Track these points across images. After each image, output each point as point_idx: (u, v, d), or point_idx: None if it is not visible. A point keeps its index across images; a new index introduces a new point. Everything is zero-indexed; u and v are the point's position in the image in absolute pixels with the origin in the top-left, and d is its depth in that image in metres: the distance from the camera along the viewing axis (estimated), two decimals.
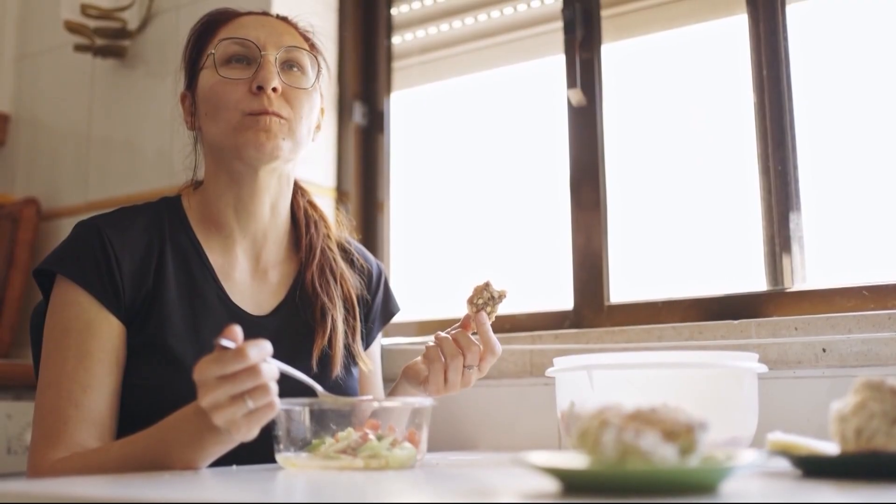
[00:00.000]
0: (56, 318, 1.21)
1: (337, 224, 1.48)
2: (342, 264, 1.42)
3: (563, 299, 1.82)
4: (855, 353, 1.42)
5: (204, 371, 0.96)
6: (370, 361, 1.43)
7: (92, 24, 2.19)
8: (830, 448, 0.89)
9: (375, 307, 1.48)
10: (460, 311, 1.31)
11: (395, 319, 1.55)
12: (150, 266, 1.25)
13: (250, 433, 0.98)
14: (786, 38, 1.66)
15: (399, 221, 2.11)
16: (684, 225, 1.79)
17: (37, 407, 1.18)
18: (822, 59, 1.68)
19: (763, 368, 1.26)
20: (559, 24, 1.86)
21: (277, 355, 1.01)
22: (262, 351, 0.97)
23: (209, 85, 1.29)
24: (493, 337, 1.28)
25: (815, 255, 1.60)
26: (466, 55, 2.08)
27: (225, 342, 0.96)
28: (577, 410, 0.75)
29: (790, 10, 1.68)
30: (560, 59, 1.86)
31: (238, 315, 1.29)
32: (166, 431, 1.06)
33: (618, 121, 1.84)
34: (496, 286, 1.30)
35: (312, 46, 1.38)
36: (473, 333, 1.28)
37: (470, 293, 1.30)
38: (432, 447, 1.22)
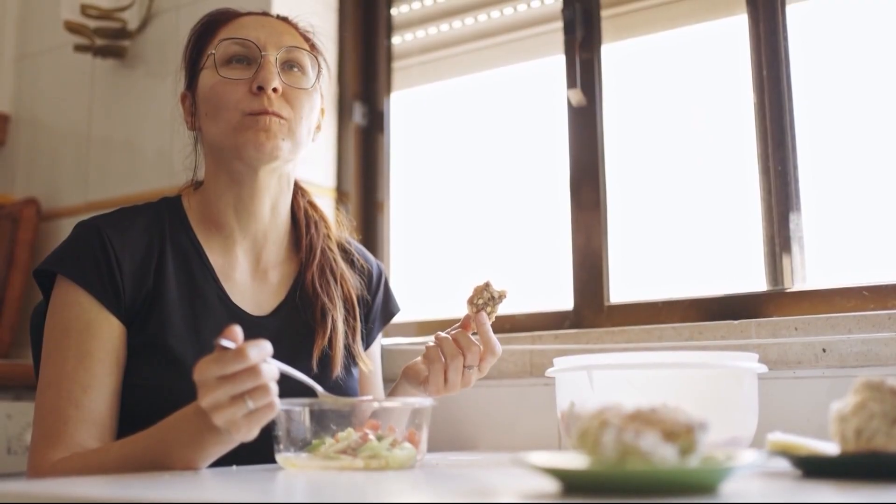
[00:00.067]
0: (56, 318, 1.21)
1: (337, 224, 1.48)
2: (342, 265, 1.42)
3: (563, 299, 1.82)
4: (855, 354, 1.42)
5: (204, 371, 0.96)
6: (370, 362, 1.43)
7: (92, 24, 2.19)
8: (830, 448, 0.89)
9: (375, 307, 1.48)
10: (460, 311, 1.31)
11: (395, 320, 1.55)
12: (150, 266, 1.25)
13: (250, 433, 0.99)
14: (786, 39, 1.66)
15: (399, 221, 2.11)
16: (684, 225, 1.79)
17: (37, 407, 1.18)
18: (822, 59, 1.68)
19: (763, 369, 1.26)
20: (559, 25, 1.86)
21: (277, 356, 1.01)
22: (262, 351, 0.97)
23: (209, 85, 1.29)
24: (494, 337, 1.28)
25: (815, 255, 1.60)
26: (466, 55, 2.08)
27: (225, 342, 0.96)
28: (577, 411, 0.75)
29: (790, 10, 1.68)
30: (560, 60, 1.86)
31: (238, 315, 1.29)
32: (166, 432, 1.06)
33: (618, 121, 1.84)
34: (496, 286, 1.30)
35: (313, 47, 1.38)
36: (473, 333, 1.28)
37: (470, 293, 1.30)
38: (432, 447, 1.22)
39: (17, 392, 1.94)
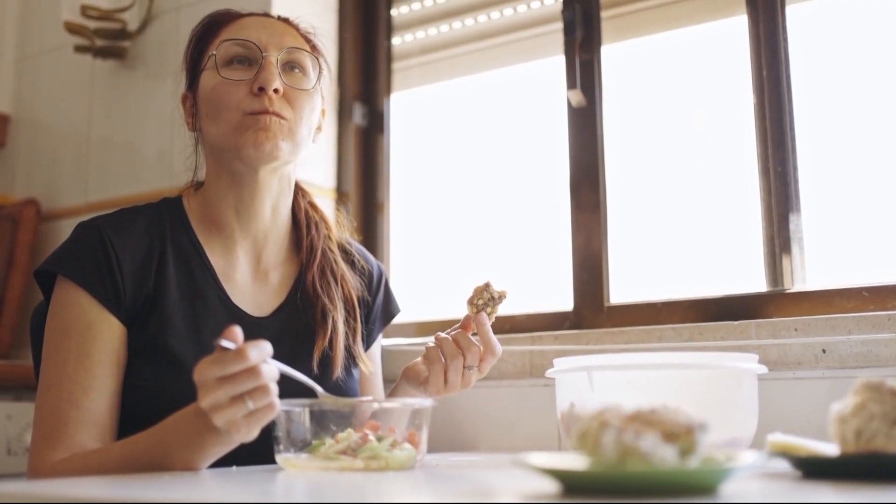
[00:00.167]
0: (57, 318, 1.21)
1: (337, 225, 1.48)
2: (343, 265, 1.42)
3: (563, 300, 1.82)
4: (855, 355, 1.43)
5: (204, 372, 0.96)
6: (370, 363, 1.43)
7: (92, 25, 2.19)
8: (830, 449, 0.89)
9: (376, 308, 1.48)
10: (460, 311, 1.31)
11: (396, 320, 1.55)
12: (150, 267, 1.25)
13: (250, 434, 0.99)
14: (786, 39, 1.66)
15: (399, 222, 2.11)
16: (684, 226, 1.79)
17: (37, 408, 1.18)
18: (822, 60, 1.68)
19: (763, 369, 1.26)
20: (559, 25, 1.86)
21: (278, 356, 1.01)
22: (262, 352, 0.97)
23: (210, 86, 1.29)
24: (494, 338, 1.28)
25: (815, 256, 1.60)
26: (466, 56, 2.08)
27: (225, 343, 0.96)
28: (577, 411, 0.75)
29: (790, 10, 1.68)
30: (560, 60, 1.86)
31: (239, 316, 1.29)
32: (166, 432, 1.06)
33: (618, 122, 1.84)
34: (496, 287, 1.30)
35: (314, 48, 1.38)
36: (473, 334, 1.28)
37: (470, 294, 1.30)
38: (432, 448, 1.23)
39: (17, 393, 1.94)
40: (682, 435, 0.70)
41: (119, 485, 0.87)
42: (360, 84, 2.16)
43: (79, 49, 2.21)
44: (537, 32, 1.99)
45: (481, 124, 2.08)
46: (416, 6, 2.14)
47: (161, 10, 2.23)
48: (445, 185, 2.10)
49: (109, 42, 2.21)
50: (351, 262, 1.45)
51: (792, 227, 1.61)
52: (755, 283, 1.64)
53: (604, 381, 1.22)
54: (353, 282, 1.41)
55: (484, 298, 1.29)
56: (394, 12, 2.18)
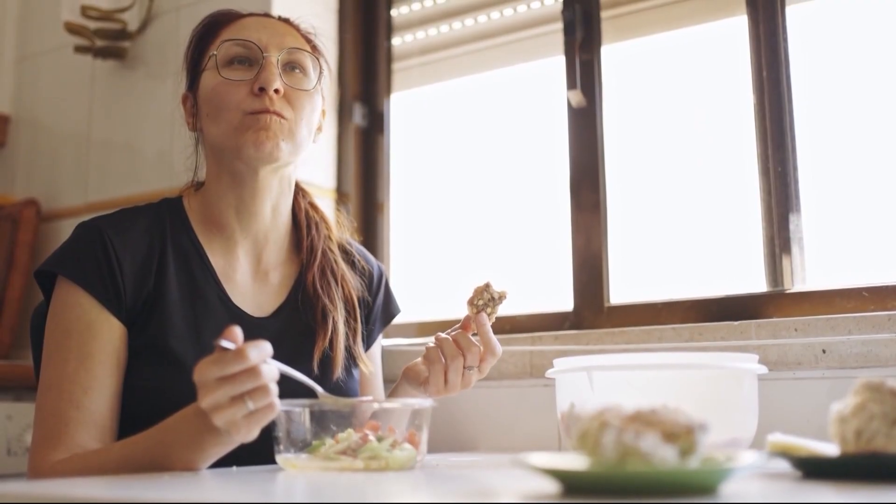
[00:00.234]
0: (57, 319, 1.21)
1: (338, 225, 1.48)
2: (343, 266, 1.42)
3: (563, 300, 1.82)
4: (855, 355, 1.43)
5: (204, 372, 0.96)
6: (371, 363, 1.43)
7: (92, 25, 2.19)
8: (830, 449, 0.89)
9: (376, 309, 1.48)
10: (460, 312, 1.31)
11: (396, 320, 1.55)
12: (151, 267, 1.25)
13: (250, 434, 0.99)
14: (786, 40, 1.66)
15: (399, 222, 2.11)
16: (684, 226, 1.79)
17: (37, 408, 1.18)
18: (822, 60, 1.68)
19: (763, 370, 1.26)
20: (559, 26, 1.86)
21: (278, 357, 1.01)
22: (261, 352, 0.97)
23: (211, 86, 1.29)
24: (494, 338, 1.28)
25: (815, 256, 1.60)
26: (466, 56, 2.08)
27: (225, 343, 0.96)
28: (577, 412, 0.75)
29: (790, 11, 1.68)
30: (560, 61, 1.86)
31: (239, 316, 1.29)
32: (166, 433, 1.06)
33: (618, 122, 1.84)
34: (496, 287, 1.30)
35: (314, 48, 1.38)
36: (474, 334, 1.28)
37: (470, 294, 1.30)
38: (432, 448, 1.22)
39: (17, 393, 1.94)
40: (682, 435, 0.70)
41: (119, 485, 0.87)
42: (361, 84, 2.16)
43: (79, 49, 2.21)
44: (537, 33, 1.99)
45: (481, 125, 2.08)
46: (416, 6, 2.14)
47: (161, 10, 2.23)
48: (445, 185, 2.10)
49: (109, 42, 2.21)
50: (351, 263, 1.45)
51: (792, 227, 1.61)
52: (755, 283, 1.64)
53: (604, 382, 1.22)
54: (353, 282, 1.41)
55: (484, 299, 1.29)
56: (394, 12, 2.18)
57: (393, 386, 1.39)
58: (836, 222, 1.62)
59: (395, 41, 2.17)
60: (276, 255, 1.37)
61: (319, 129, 1.38)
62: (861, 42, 1.67)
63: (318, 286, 1.36)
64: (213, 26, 1.35)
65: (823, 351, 1.45)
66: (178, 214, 1.33)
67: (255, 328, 1.23)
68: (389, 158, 2.13)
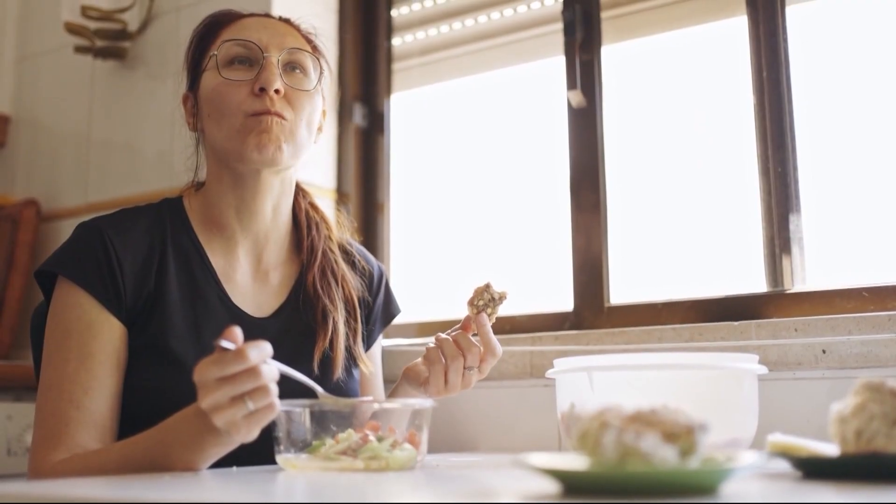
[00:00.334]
0: (57, 319, 1.21)
1: (338, 225, 1.48)
2: (343, 266, 1.42)
3: (564, 301, 1.82)
4: (855, 355, 1.43)
5: (204, 372, 0.96)
6: (371, 363, 1.43)
7: (92, 25, 2.19)
8: (830, 449, 0.89)
9: (376, 309, 1.48)
10: (461, 312, 1.31)
11: (396, 321, 1.55)
12: (151, 267, 1.25)
13: (250, 434, 0.99)
14: (785, 40, 1.66)
15: (399, 223, 2.11)
16: (684, 226, 1.79)
17: (38, 408, 1.18)
18: (822, 60, 1.68)
19: (763, 370, 1.26)
20: (559, 26, 1.86)
21: (278, 357, 1.01)
22: (261, 352, 0.97)
23: (212, 86, 1.29)
24: (494, 338, 1.28)
25: (815, 256, 1.60)
26: (466, 57, 2.08)
27: (225, 343, 0.96)
28: (578, 412, 0.75)
29: (790, 11, 1.68)
30: (560, 61, 1.86)
31: (239, 317, 1.29)
32: (166, 433, 1.06)
33: (618, 122, 1.84)
34: (497, 288, 1.30)
35: (315, 48, 1.38)
36: (474, 335, 1.29)
37: (470, 295, 1.30)
38: (432, 448, 1.23)
39: (17, 393, 1.94)
40: (682, 435, 0.70)
41: (119, 485, 0.87)
42: (361, 85, 2.16)
43: (79, 49, 2.21)
44: (537, 33, 1.99)
45: (481, 125, 2.08)
46: (416, 7, 2.14)
47: (161, 10, 2.23)
48: (446, 185, 2.10)
49: (110, 42, 2.21)
50: (351, 263, 1.45)
51: (792, 227, 1.61)
52: (755, 283, 1.64)
53: (604, 382, 1.22)
54: (353, 282, 1.41)
55: (484, 299, 1.29)
56: (394, 13, 2.18)
57: (393, 386, 1.39)
58: (836, 222, 1.62)
59: (396, 41, 2.17)
60: (277, 256, 1.37)
61: (320, 129, 1.38)
62: (861, 42, 1.67)
63: (319, 286, 1.36)
64: (213, 26, 1.35)
65: (823, 351, 1.45)
66: (178, 214, 1.33)
67: (255, 328, 1.23)
68: (389, 159, 2.13)
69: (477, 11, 2.06)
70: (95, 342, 1.19)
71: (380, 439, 1.05)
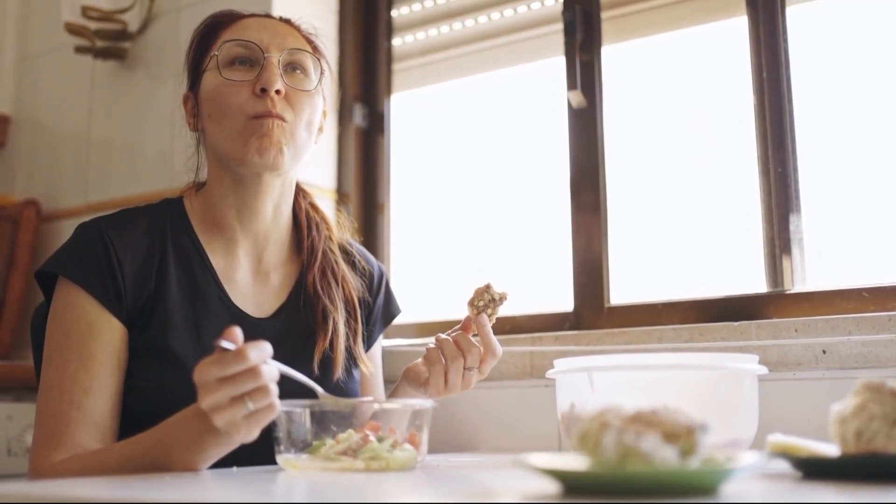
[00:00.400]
0: (58, 319, 1.21)
1: (338, 226, 1.48)
2: (344, 266, 1.42)
3: (564, 301, 1.82)
4: (855, 355, 1.43)
5: (204, 373, 0.96)
6: (371, 363, 1.43)
7: (92, 25, 2.19)
8: (831, 450, 0.89)
9: (376, 309, 1.48)
10: (461, 312, 1.31)
11: (396, 321, 1.55)
12: (151, 268, 1.25)
13: (250, 435, 0.99)
14: (786, 40, 1.66)
15: (399, 223, 2.11)
16: (684, 227, 1.79)
17: (38, 409, 1.18)
18: (823, 61, 1.68)
19: (763, 370, 1.26)
20: (559, 26, 1.86)
21: (278, 357, 1.01)
22: (262, 352, 0.97)
23: (212, 87, 1.29)
24: (494, 339, 1.28)
25: (815, 256, 1.60)
26: (467, 57, 2.08)
27: (225, 344, 0.96)
28: (578, 412, 0.75)
29: (790, 11, 1.68)
30: (560, 61, 1.86)
31: (239, 317, 1.29)
32: (167, 433, 1.06)
33: (618, 123, 1.84)
34: (497, 288, 1.30)
35: (315, 49, 1.38)
36: (474, 335, 1.29)
37: (471, 295, 1.30)
38: (433, 449, 1.23)
39: (17, 393, 1.94)
40: (682, 435, 0.70)
41: (120, 485, 0.87)
42: (361, 85, 2.16)
43: (79, 50, 2.21)
44: (537, 33, 1.99)
45: (482, 125, 2.08)
46: (416, 7, 2.14)
47: (161, 10, 2.23)
48: (446, 186, 2.10)
49: (110, 43, 2.21)
50: (352, 263, 1.45)
51: (792, 227, 1.61)
52: (755, 283, 1.64)
53: (604, 382, 1.22)
54: (353, 283, 1.41)
55: (485, 300, 1.29)
56: (394, 13, 2.18)
57: (393, 386, 1.39)
58: (836, 223, 1.62)
59: (396, 42, 2.17)
60: (277, 256, 1.37)
61: (320, 129, 1.38)
62: (861, 43, 1.67)
63: (319, 287, 1.36)
64: (214, 27, 1.35)
65: (823, 351, 1.45)
66: (178, 215, 1.33)
67: (255, 329, 1.23)
68: (390, 159, 2.13)
69: (477, 12, 2.06)
70: (96, 342, 1.19)
71: (380, 440, 1.05)
